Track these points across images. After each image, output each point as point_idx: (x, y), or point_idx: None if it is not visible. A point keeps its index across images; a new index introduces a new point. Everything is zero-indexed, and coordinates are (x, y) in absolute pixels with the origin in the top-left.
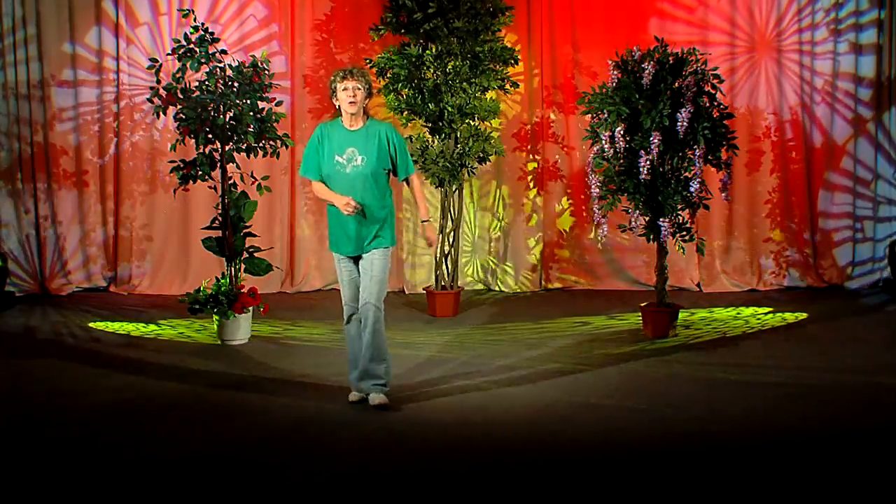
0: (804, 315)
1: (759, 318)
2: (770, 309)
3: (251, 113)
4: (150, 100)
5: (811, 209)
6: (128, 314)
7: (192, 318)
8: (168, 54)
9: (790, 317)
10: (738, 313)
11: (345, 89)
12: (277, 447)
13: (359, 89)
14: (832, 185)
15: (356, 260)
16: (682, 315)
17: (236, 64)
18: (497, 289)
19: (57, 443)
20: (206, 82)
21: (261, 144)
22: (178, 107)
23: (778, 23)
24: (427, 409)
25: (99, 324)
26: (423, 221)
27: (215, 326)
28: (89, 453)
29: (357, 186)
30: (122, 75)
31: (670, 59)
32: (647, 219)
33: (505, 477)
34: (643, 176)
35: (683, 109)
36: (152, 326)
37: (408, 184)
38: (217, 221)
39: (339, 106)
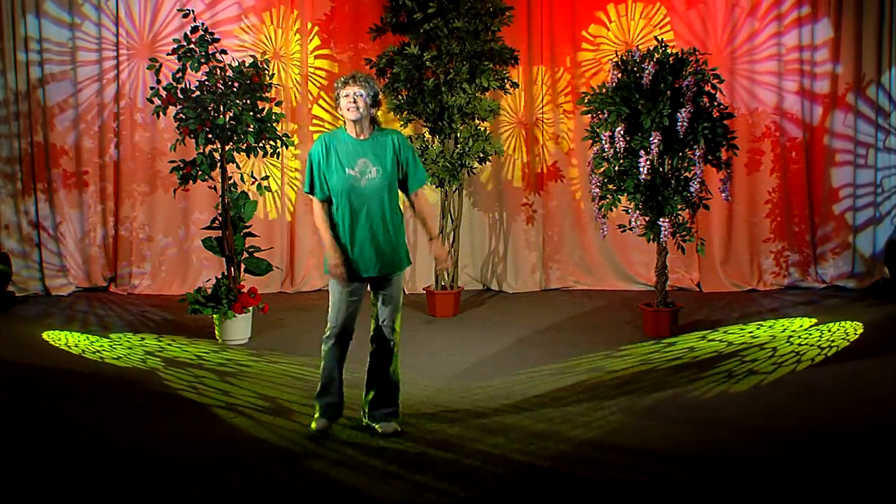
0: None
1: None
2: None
3: (251, 113)
4: (150, 100)
5: (811, 209)
6: (127, 316)
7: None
8: (168, 54)
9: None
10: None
11: (346, 95)
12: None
13: (360, 95)
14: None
15: (363, 282)
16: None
17: (236, 64)
18: (497, 289)
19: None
20: (207, 82)
21: (261, 144)
22: (178, 107)
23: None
24: (426, 412)
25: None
26: (430, 240)
27: (216, 327)
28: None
29: (374, 200)
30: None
31: (670, 59)
32: (647, 219)
33: (505, 479)
34: (643, 176)
35: (683, 109)
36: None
37: (413, 199)
38: (217, 221)
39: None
